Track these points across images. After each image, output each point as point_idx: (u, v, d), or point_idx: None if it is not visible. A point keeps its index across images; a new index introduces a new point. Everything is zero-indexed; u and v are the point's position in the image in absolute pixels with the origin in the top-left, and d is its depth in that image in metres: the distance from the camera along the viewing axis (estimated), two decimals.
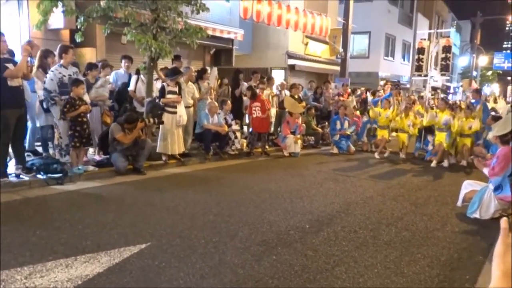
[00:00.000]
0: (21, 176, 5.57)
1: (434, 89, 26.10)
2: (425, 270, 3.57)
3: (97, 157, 7.07)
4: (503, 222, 1.05)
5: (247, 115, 10.10)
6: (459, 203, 5.58)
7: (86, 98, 6.36)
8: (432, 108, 10.70)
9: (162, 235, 3.99)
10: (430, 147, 9.60)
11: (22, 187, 5.42)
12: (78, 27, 6.90)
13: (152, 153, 7.22)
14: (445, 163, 9.12)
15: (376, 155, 9.84)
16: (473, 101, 10.65)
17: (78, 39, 6.94)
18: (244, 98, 10.01)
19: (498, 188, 5.13)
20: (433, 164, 8.89)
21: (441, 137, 9.08)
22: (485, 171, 5.40)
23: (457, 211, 5.46)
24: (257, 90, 9.13)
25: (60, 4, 6.63)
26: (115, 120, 7.06)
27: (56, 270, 3.16)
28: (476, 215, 5.21)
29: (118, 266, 3.29)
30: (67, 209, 4.74)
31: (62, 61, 6.19)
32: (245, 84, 10.08)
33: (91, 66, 7.05)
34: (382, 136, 10.09)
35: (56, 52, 6.33)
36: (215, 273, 3.26)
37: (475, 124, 8.92)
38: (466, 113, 9.19)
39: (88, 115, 6.41)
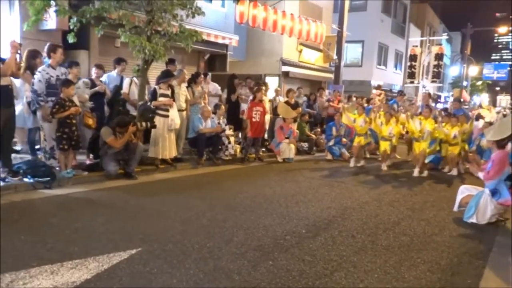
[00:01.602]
0: (7, 179, 5.37)
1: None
2: (426, 275, 3.47)
3: (87, 161, 6.89)
4: None
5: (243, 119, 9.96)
6: (455, 208, 5.53)
7: (76, 99, 6.20)
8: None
9: (153, 240, 3.84)
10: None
11: (8, 191, 5.21)
12: (71, 27, 6.77)
13: (144, 158, 7.07)
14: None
15: (351, 163, 9.29)
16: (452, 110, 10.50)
17: (70, 40, 6.80)
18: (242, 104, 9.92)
19: (495, 193, 5.09)
20: (415, 173, 8.43)
21: (423, 146, 8.60)
22: (480, 175, 5.37)
23: (454, 216, 5.40)
24: (257, 95, 9.05)
25: (53, 3, 6.50)
26: (100, 122, 6.88)
27: (41, 277, 2.99)
28: (473, 220, 5.16)
29: (107, 272, 3.14)
30: (55, 213, 4.57)
31: (50, 61, 6.02)
32: (246, 89, 10.02)
33: (71, 64, 6.87)
34: (358, 143, 9.46)
35: (45, 52, 6.16)
36: (210, 279, 3.12)
37: (459, 133, 8.65)
38: (452, 121, 8.85)
39: None
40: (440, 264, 3.75)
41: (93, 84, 7.19)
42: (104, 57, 9.63)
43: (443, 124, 8.92)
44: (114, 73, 7.95)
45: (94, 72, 7.46)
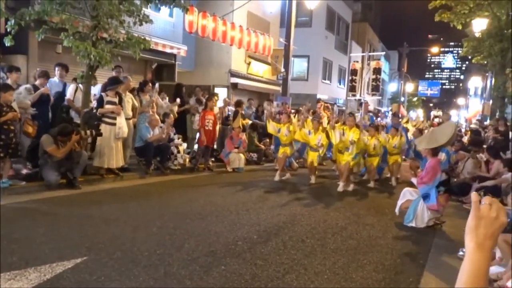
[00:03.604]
0: None
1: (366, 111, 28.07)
2: (371, 275, 3.63)
3: (25, 170, 6.46)
4: (474, 196, 1.04)
5: (190, 128, 9.87)
6: (396, 210, 5.81)
7: (15, 105, 5.84)
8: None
9: (100, 249, 3.68)
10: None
11: None
12: (8, 30, 6.39)
13: (88, 167, 6.77)
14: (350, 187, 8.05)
15: (276, 177, 8.43)
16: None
17: (7, 43, 6.41)
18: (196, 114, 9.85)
19: (426, 197, 5.43)
20: (340, 188, 7.78)
21: (347, 157, 7.97)
22: (414, 181, 5.70)
23: (395, 221, 5.69)
24: (208, 103, 9.02)
25: None
26: (44, 130, 6.50)
27: None
28: (413, 224, 5.47)
29: (49, 282, 2.97)
30: None
31: None
32: (192, 99, 9.96)
33: (11, 69, 6.46)
34: (282, 153, 8.67)
35: None
36: (160, 285, 3.05)
37: (378, 143, 8.62)
38: (370, 131, 8.66)
39: None
40: (385, 264, 3.94)
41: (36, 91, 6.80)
42: (44, 63, 9.14)
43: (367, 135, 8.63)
44: (56, 78, 7.59)
45: (38, 80, 7.02)
